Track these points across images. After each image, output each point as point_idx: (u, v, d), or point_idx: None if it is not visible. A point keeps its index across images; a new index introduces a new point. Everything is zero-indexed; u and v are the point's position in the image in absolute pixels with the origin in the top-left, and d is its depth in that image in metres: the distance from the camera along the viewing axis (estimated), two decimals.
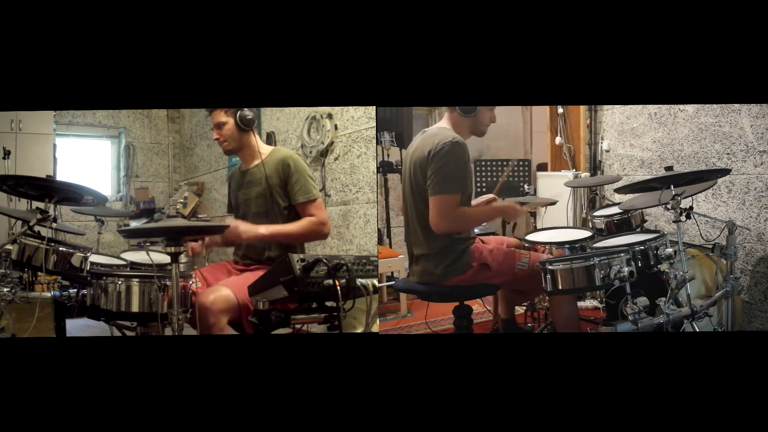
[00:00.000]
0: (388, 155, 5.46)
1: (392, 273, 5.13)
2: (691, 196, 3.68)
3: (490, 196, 4.08)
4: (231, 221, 3.64)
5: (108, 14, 3.63)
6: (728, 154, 4.19)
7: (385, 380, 3.66)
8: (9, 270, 3.48)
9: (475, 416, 3.65)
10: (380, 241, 5.19)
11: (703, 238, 3.88)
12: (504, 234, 4.59)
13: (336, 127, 4.63)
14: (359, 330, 3.37)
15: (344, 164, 4.60)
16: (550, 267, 3.63)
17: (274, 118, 5.19)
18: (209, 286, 3.62)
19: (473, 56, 3.66)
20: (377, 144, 4.50)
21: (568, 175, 5.56)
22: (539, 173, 5.96)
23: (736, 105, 4.05)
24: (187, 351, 3.63)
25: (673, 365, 3.66)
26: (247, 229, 3.64)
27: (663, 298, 3.55)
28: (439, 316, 4.50)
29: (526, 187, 4.89)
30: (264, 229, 3.67)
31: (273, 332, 3.22)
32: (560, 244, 4.11)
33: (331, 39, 3.66)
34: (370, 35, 3.65)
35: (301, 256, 3.11)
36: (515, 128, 6.23)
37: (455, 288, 3.81)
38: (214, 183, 5.60)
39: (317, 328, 3.39)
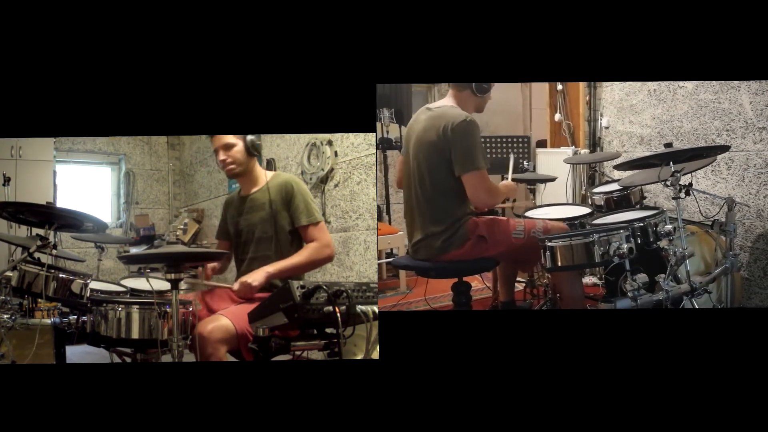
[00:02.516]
0: (387, 132, 5.48)
1: (391, 250, 5.14)
2: (690, 172, 3.73)
3: (509, 182, 4.17)
4: (236, 284, 3.64)
5: (108, 41, 3.65)
6: (727, 130, 4.22)
7: (386, 405, 3.65)
8: (9, 297, 3.47)
9: (473, 393, 3.67)
10: (379, 218, 5.20)
11: (702, 214, 3.90)
12: (503, 213, 4.60)
13: (336, 154, 4.65)
14: (359, 356, 3.36)
15: (344, 191, 4.60)
16: (549, 244, 3.65)
17: (274, 144, 5.20)
18: (210, 312, 3.61)
19: (473, 33, 3.67)
20: (377, 121, 4.49)
21: (568, 151, 5.59)
22: (538, 150, 5.97)
23: (735, 81, 4.07)
24: (188, 378, 3.62)
25: (673, 342, 3.68)
26: (255, 278, 3.60)
27: (662, 275, 3.57)
28: (439, 293, 4.51)
29: (525, 163, 4.90)
30: (271, 268, 3.65)
31: (273, 359, 3.21)
32: (560, 221, 4.13)
33: (329, 46, 3.69)
34: (368, 20, 3.67)
35: (301, 282, 3.11)
36: (514, 105, 6.25)
37: (454, 263, 3.85)
38: (215, 210, 5.61)
39: (317, 355, 3.38)
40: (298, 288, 3.06)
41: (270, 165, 5.13)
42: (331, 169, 4.70)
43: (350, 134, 4.44)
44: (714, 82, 4.23)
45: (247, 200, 3.87)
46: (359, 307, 3.12)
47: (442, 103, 3.92)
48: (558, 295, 4.13)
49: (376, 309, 3.17)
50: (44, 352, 3.51)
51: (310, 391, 3.64)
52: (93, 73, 3.67)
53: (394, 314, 3.84)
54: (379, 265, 4.80)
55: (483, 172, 3.74)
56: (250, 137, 3.78)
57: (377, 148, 4.86)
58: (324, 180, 4.77)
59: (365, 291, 3.25)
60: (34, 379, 3.62)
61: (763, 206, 4.04)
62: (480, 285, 4.66)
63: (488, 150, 5.16)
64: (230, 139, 3.78)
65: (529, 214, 4.44)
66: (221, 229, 4.06)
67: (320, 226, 3.79)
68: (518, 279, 4.49)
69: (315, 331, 3.27)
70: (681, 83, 4.50)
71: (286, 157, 5.10)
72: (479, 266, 4.02)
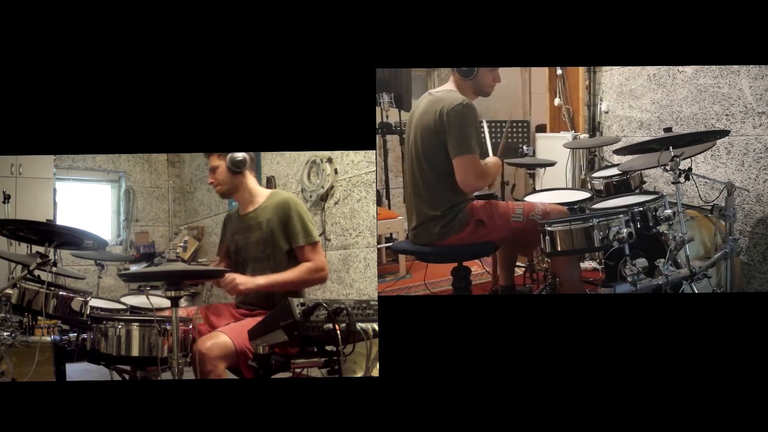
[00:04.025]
0: (387, 116, 5.48)
1: (391, 234, 5.14)
2: (690, 157, 3.70)
3: (495, 159, 4.12)
4: (228, 275, 3.63)
5: (108, 59, 3.66)
6: (727, 115, 4.21)
7: (386, 425, 3.65)
8: (9, 314, 3.48)
9: (472, 377, 3.67)
10: (379, 203, 5.20)
11: (702, 199, 3.92)
12: (503, 197, 4.60)
13: (336, 172, 4.65)
14: (359, 374, 3.36)
15: (344, 208, 4.61)
16: (549, 228, 3.66)
17: (274, 162, 5.20)
18: (212, 327, 3.61)
19: (472, 17, 3.67)
20: (376, 105, 4.49)
21: (567, 136, 5.58)
22: (538, 134, 5.95)
23: (735, 66, 4.07)
24: (188, 395, 3.61)
25: (672, 327, 3.67)
26: (244, 281, 3.62)
27: (662, 260, 3.58)
28: (438, 278, 4.50)
29: (525, 148, 4.91)
30: (262, 280, 3.66)
31: (273, 376, 3.21)
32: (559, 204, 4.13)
33: (326, 34, 3.70)
34: (367, 5, 3.69)
35: (301, 300, 3.11)
36: (514, 89, 6.24)
37: (453, 248, 3.87)
38: (215, 227, 5.61)
39: (317, 372, 3.38)
40: (298, 305, 3.06)
41: (270, 182, 5.14)
42: (331, 187, 4.70)
43: (350, 152, 4.44)
44: (714, 67, 4.22)
45: (245, 219, 3.87)
46: (359, 325, 3.12)
47: (443, 88, 3.94)
48: (557, 279, 4.15)
49: (376, 326, 3.17)
50: (44, 369, 3.51)
51: (310, 408, 3.64)
52: (93, 91, 3.68)
53: (394, 299, 3.85)
54: (379, 249, 4.80)
55: (474, 157, 3.76)
56: (230, 155, 3.78)
57: (377, 133, 4.85)
58: (324, 197, 4.77)
59: (365, 308, 3.25)
60: (34, 396, 3.61)
61: (763, 191, 4.03)
62: (479, 269, 4.66)
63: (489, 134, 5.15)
64: (215, 161, 3.81)
65: (528, 198, 4.44)
66: (221, 247, 4.06)
67: (317, 248, 3.79)
68: (518, 263, 4.50)
69: (315, 349, 3.28)
70: (680, 68, 4.50)
71: (286, 175, 5.10)
72: (479, 251, 4.03)
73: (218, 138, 3.72)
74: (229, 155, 3.77)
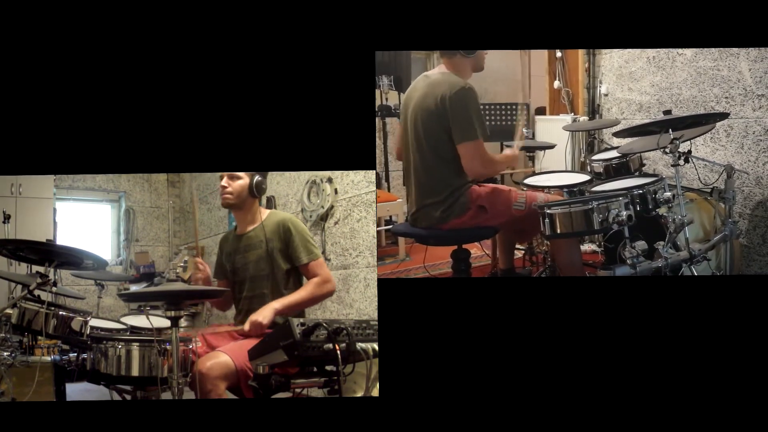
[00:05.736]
0: (386, 99, 5.49)
1: (390, 217, 5.13)
2: (689, 139, 3.73)
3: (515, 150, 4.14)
4: (246, 324, 3.64)
5: (108, 79, 3.67)
6: (726, 97, 4.22)
7: None
8: (9, 334, 3.48)
9: (471, 360, 3.67)
10: (378, 185, 5.19)
11: (701, 182, 3.94)
12: (503, 180, 4.59)
13: (336, 192, 4.65)
14: (359, 394, 3.36)
15: (344, 228, 4.60)
16: (548, 211, 3.68)
17: (274, 182, 5.21)
18: (210, 348, 3.61)
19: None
20: (375, 88, 4.50)
21: (567, 119, 5.58)
22: (537, 117, 5.97)
23: (734, 49, 4.08)
24: (188, 415, 3.61)
25: (672, 309, 3.67)
26: (264, 315, 3.61)
27: (661, 242, 3.61)
28: (438, 260, 4.51)
29: (524, 130, 4.90)
30: (278, 304, 3.66)
31: (273, 396, 3.21)
32: (559, 188, 4.17)
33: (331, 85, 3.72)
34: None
35: (301, 320, 3.12)
36: (513, 72, 6.24)
37: (454, 231, 3.89)
38: (215, 247, 5.60)
39: (317, 392, 3.38)
40: (298, 325, 3.07)
41: (270, 202, 5.14)
42: (331, 207, 4.71)
43: (350, 172, 4.44)
44: (713, 50, 4.23)
45: (243, 238, 3.89)
46: (359, 345, 3.13)
47: (439, 71, 3.94)
48: (556, 262, 4.15)
49: (376, 346, 3.18)
50: (44, 389, 3.51)
51: (309, 429, 3.63)
52: (93, 111, 3.69)
53: (394, 282, 3.88)
54: (378, 232, 4.79)
55: (479, 142, 3.78)
56: (258, 178, 3.79)
57: (376, 116, 4.85)
58: (324, 217, 4.77)
59: (365, 328, 3.26)
60: (34, 416, 3.60)
61: (762, 173, 4.04)
62: (479, 252, 4.66)
63: (487, 117, 5.14)
64: (240, 173, 3.81)
65: (528, 181, 4.46)
66: (218, 268, 4.06)
67: (320, 262, 3.81)
68: (517, 246, 4.51)
69: (315, 369, 3.28)
70: (680, 51, 4.50)
71: (286, 195, 5.10)
72: (479, 234, 4.06)
73: (220, 157, 3.73)
74: (257, 177, 3.78)
